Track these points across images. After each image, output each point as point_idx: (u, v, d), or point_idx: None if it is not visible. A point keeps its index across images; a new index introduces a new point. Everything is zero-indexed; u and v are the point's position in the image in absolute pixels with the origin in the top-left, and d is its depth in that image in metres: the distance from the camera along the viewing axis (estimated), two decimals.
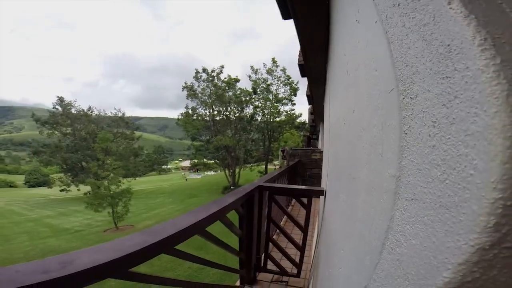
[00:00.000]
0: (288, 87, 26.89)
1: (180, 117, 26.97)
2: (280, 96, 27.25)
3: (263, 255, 2.89)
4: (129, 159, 29.84)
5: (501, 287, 0.28)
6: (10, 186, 46.71)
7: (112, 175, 16.61)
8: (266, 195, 2.80)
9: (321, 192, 2.51)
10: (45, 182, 41.99)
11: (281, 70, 26.75)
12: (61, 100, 29.55)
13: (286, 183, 4.92)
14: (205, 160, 31.16)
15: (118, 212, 15.13)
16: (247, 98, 26.85)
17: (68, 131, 29.06)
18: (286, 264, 2.90)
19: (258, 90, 27.19)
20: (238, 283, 2.75)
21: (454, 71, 0.31)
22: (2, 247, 12.46)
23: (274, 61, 26.77)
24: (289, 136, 27.07)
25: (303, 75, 3.40)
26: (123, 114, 33.21)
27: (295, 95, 27.10)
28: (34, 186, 46.27)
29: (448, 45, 0.32)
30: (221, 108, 27.02)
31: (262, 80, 27.07)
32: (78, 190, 27.95)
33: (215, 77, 26.73)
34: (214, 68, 27.45)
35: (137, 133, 34.16)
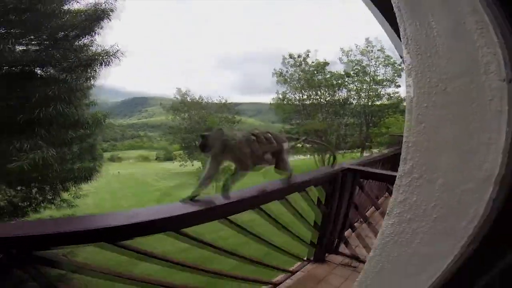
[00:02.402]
0: (390, 68, 23.60)
1: (272, 102, 28.14)
2: (379, 78, 24.30)
3: (337, 238, 2.89)
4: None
5: None
6: (146, 161, 59.74)
7: None
8: (352, 179, 2.80)
9: None
10: (170, 158, 51.67)
11: (378, 50, 23.68)
12: (179, 91, 35.80)
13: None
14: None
15: (218, 187, 17.54)
16: (339, 82, 25.22)
17: (185, 116, 35.17)
18: (361, 252, 2.83)
19: (351, 72, 25.07)
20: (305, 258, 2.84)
21: None
22: None
23: (368, 42, 23.90)
24: (393, 122, 24.02)
25: None
26: (226, 100, 37.42)
27: (399, 76, 23.59)
28: (161, 161, 57.65)
29: None
30: (310, 93, 26.51)
31: (356, 62, 24.72)
32: (192, 165, 33.47)
33: (302, 62, 26.24)
34: (301, 53, 26.94)
35: (237, 117, 37.98)
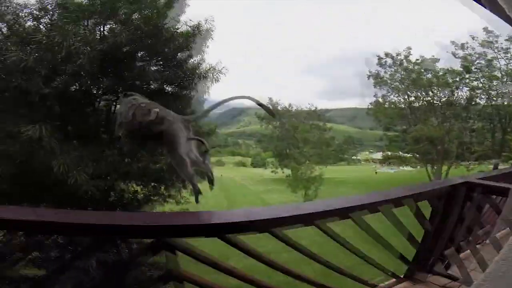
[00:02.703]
0: None
1: (369, 106, 25.74)
2: None
3: (439, 256, 2.47)
4: (322, 148, 32.78)
5: None
6: (243, 166, 65.29)
7: (307, 162, 19.10)
8: (469, 194, 2.32)
9: None
10: (263, 164, 54.76)
11: (506, 40, 18.27)
12: (270, 100, 37.56)
13: None
14: (400, 153, 27.77)
15: (309, 195, 17.23)
16: (456, 79, 20.68)
17: (277, 124, 36.62)
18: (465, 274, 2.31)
19: (472, 67, 20.16)
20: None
21: None
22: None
23: (487, 31, 18.72)
24: None
25: None
26: (315, 107, 36.86)
27: None
28: (256, 167, 61.76)
29: None
30: (419, 93, 22.78)
31: (477, 56, 19.71)
32: (283, 172, 34.30)
33: (403, 60, 22.86)
34: (399, 51, 23.53)
35: (329, 125, 36.69)
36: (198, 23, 6.08)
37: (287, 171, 29.43)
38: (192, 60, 6.53)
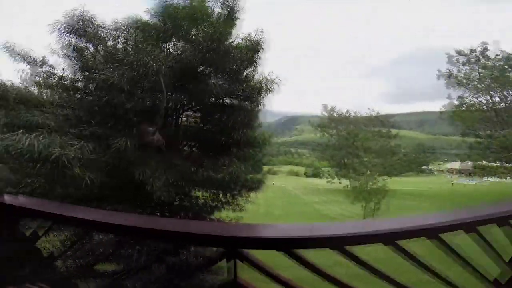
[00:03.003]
0: None
1: (442, 109, 22.65)
2: None
3: None
4: (385, 158, 30.06)
5: None
6: (296, 175, 64.19)
7: (369, 172, 17.65)
8: None
9: None
10: (317, 174, 52.96)
11: None
12: (325, 107, 36.24)
13: None
14: (484, 162, 23.56)
15: (370, 207, 15.78)
16: None
17: (333, 132, 35.04)
18: None
19: None
20: None
21: None
22: (285, 221, 17.19)
23: None
24: None
25: None
26: (377, 112, 34.12)
27: None
28: (309, 177, 60.04)
29: None
30: (505, 93, 19.23)
31: None
32: (340, 183, 32.42)
33: (480, 57, 19.53)
34: (473, 47, 20.11)
35: (393, 131, 33.54)
36: (249, 34, 6.27)
37: (345, 182, 27.76)
38: (247, 72, 6.73)
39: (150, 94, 5.62)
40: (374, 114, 34.19)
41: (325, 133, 35.85)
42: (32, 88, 5.72)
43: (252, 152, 6.41)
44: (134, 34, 5.72)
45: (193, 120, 6.80)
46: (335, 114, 35.51)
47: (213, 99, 6.19)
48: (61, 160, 3.74)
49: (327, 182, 34.53)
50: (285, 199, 26.91)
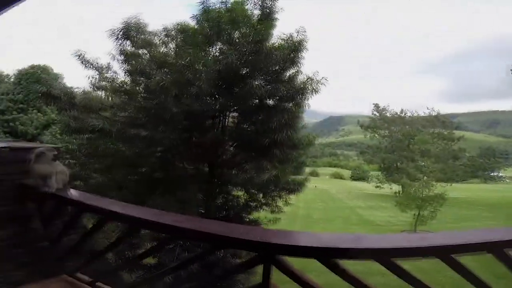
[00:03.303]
0: None
1: None
2: None
3: None
4: (446, 162, 26.84)
5: None
6: (341, 178, 61.05)
7: (425, 177, 15.99)
8: None
9: None
10: (364, 178, 49.73)
11: None
12: (376, 106, 33.74)
13: None
14: None
15: (424, 216, 14.26)
16: None
17: (385, 134, 32.47)
18: None
19: None
20: None
21: None
22: (323, 225, 16.37)
23: None
24: None
25: None
26: (437, 112, 30.61)
27: None
28: (355, 180, 56.64)
29: None
30: None
31: None
32: (390, 188, 29.92)
33: None
34: None
35: (457, 133, 29.75)
36: (290, 35, 6.11)
37: (396, 187, 25.51)
38: (289, 73, 6.62)
39: (198, 98, 5.92)
40: (433, 114, 30.72)
41: (376, 135, 33.40)
42: (99, 92, 6.48)
43: (295, 154, 6.30)
44: (183, 40, 6.04)
45: (237, 121, 6.96)
46: (387, 114, 32.85)
47: (256, 100, 6.23)
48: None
49: (375, 187, 32.23)
50: (327, 203, 25.77)
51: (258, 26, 5.53)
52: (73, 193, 2.10)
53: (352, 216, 20.04)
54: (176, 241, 4.79)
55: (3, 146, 2.09)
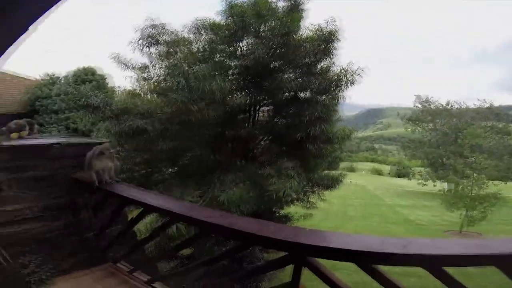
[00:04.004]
0: None
1: None
2: None
3: None
4: (501, 158, 24.00)
5: None
6: (379, 174, 57.73)
7: (475, 174, 14.47)
8: None
9: None
10: (405, 174, 46.56)
11: None
12: (419, 98, 31.22)
13: None
14: None
15: (472, 216, 12.91)
16: None
17: (429, 127, 29.97)
18: None
19: None
20: None
21: None
22: (358, 222, 15.49)
23: None
24: None
25: None
26: (491, 104, 27.34)
27: None
28: (395, 176, 53.21)
29: None
30: None
31: None
32: (434, 185, 27.66)
33: None
34: None
35: None
36: (319, 26, 5.83)
37: (442, 185, 23.46)
38: (322, 65, 6.36)
39: (230, 92, 5.98)
40: (486, 105, 27.52)
41: (419, 128, 30.94)
42: (139, 91, 6.87)
43: (330, 148, 6.08)
44: (211, 36, 6.12)
45: (268, 116, 6.93)
46: (432, 106, 30.18)
47: (287, 94, 6.11)
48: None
49: (417, 183, 30.05)
50: (363, 199, 24.37)
51: (284, 19, 5.38)
52: (119, 186, 2.26)
53: (390, 214, 18.77)
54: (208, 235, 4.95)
55: (56, 142, 2.31)
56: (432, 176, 28.64)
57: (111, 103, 5.58)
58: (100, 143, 2.37)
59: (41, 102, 12.33)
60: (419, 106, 31.07)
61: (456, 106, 29.32)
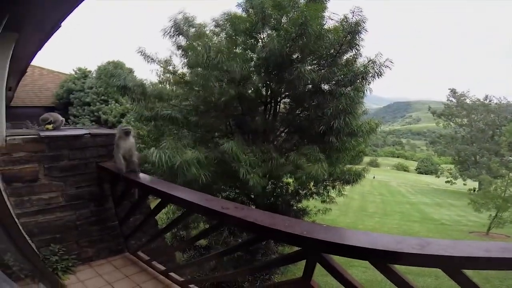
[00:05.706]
0: None
1: None
2: None
3: None
4: None
5: None
6: (404, 170, 55.36)
7: (511, 174, 13.42)
8: None
9: None
10: (433, 171, 44.30)
11: None
12: (453, 92, 29.23)
13: None
14: None
15: (502, 218, 12.00)
16: None
17: (464, 122, 28.10)
18: None
19: None
20: None
21: None
22: (378, 219, 15.14)
23: None
24: None
25: None
26: None
27: None
28: (422, 173, 50.75)
29: None
30: None
31: None
32: (464, 184, 26.09)
33: None
34: None
35: None
36: (345, 16, 5.62)
37: (472, 184, 21.99)
38: (347, 56, 6.17)
39: (251, 84, 6.01)
40: None
41: (452, 123, 29.06)
42: (164, 84, 7.12)
43: (354, 142, 5.92)
44: (232, 29, 6.14)
45: (289, 107, 6.87)
46: (467, 101, 28.12)
47: (310, 86, 6.00)
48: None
49: (445, 181, 28.46)
50: (385, 196, 23.74)
51: (305, 9, 5.24)
52: (141, 176, 2.36)
53: (412, 212, 18.14)
54: (224, 226, 5.07)
55: (85, 133, 2.46)
56: (462, 174, 26.97)
57: (144, 86, 5.95)
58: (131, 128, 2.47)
59: (75, 95, 13.16)
60: (454, 100, 29.09)
61: (495, 101, 27.11)
